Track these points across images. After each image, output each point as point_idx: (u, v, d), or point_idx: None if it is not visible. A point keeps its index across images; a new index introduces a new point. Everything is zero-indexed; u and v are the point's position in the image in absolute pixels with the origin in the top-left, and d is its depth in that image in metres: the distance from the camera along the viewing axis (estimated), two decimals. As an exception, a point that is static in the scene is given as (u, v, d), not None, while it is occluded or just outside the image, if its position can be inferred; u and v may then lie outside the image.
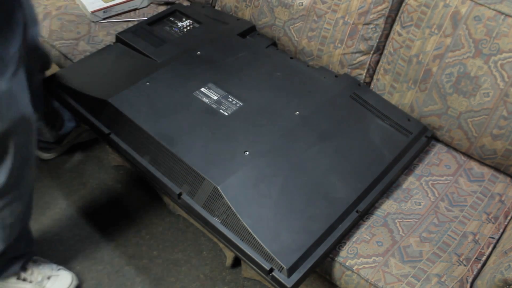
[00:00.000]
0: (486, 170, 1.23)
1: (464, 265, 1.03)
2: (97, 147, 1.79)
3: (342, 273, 1.05)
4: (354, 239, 1.07)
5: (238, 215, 0.98)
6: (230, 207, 0.99)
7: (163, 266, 1.48)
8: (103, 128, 1.19)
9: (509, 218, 1.14)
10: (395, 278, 1.00)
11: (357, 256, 1.04)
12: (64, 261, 1.49)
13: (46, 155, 1.71)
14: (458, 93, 1.17)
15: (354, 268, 1.03)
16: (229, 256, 1.45)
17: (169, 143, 1.09)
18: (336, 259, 1.05)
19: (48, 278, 1.35)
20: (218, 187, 1.01)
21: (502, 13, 1.08)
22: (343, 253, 1.05)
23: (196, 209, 1.04)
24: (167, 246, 1.53)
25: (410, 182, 1.19)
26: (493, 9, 1.09)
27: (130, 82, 1.24)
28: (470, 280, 1.01)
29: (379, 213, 1.12)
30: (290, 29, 1.41)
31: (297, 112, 1.19)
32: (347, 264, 1.04)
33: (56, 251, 1.51)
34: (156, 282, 1.44)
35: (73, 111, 1.26)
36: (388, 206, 1.13)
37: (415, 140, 1.21)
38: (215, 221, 1.01)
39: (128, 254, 1.50)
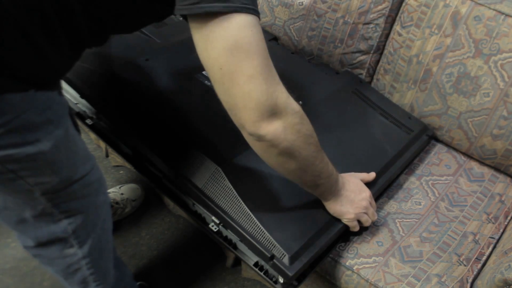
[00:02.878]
0: (486, 170, 1.23)
1: (464, 265, 1.03)
2: (97, 147, 1.79)
3: (342, 273, 1.05)
4: (354, 238, 1.07)
5: (240, 199, 0.94)
6: (232, 190, 0.94)
7: (163, 266, 1.48)
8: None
9: (509, 218, 1.13)
10: (395, 278, 1.00)
11: (357, 256, 1.04)
12: (63, 261, 1.49)
13: None
14: (458, 93, 1.17)
15: (354, 268, 1.03)
16: (230, 256, 1.45)
17: (169, 122, 1.05)
18: (336, 259, 1.05)
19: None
20: (220, 168, 0.97)
21: (502, 13, 1.08)
22: (343, 253, 1.05)
23: (195, 191, 0.98)
24: (167, 246, 1.53)
25: (410, 181, 1.19)
26: (493, 9, 1.09)
27: (129, 59, 1.18)
28: (470, 280, 1.01)
29: (379, 213, 1.12)
30: (290, 29, 1.41)
31: (300, 102, 1.17)
32: (347, 264, 1.04)
33: (56, 251, 1.52)
34: (157, 282, 1.44)
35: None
36: (388, 206, 1.13)
37: (416, 138, 1.21)
38: (216, 204, 0.96)
39: (128, 254, 1.50)
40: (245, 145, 1.01)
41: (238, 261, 1.46)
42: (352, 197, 0.94)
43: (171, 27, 1.36)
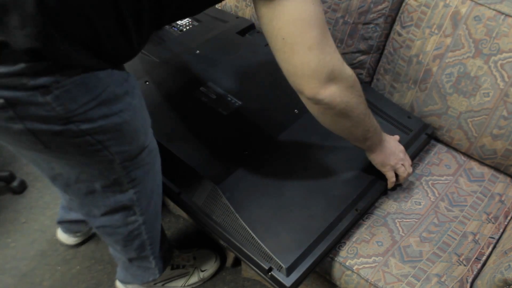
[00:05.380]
0: (486, 170, 1.22)
1: (464, 265, 1.03)
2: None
3: (342, 273, 1.05)
4: (354, 239, 1.07)
5: (237, 215, 0.98)
6: (229, 207, 0.99)
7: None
8: None
9: (509, 218, 1.13)
10: (395, 278, 1.00)
11: (357, 256, 1.04)
12: (63, 261, 1.49)
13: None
14: (458, 93, 1.17)
15: (354, 268, 1.03)
16: (230, 256, 1.45)
17: (168, 142, 1.09)
18: (336, 259, 1.05)
19: (194, 258, 1.41)
20: (217, 187, 1.01)
21: (502, 13, 1.08)
22: (343, 253, 1.05)
23: (195, 209, 1.04)
24: (166, 246, 1.53)
25: (410, 181, 1.19)
26: (493, 9, 1.09)
27: None
28: (470, 280, 1.01)
29: (379, 213, 1.12)
30: (290, 29, 1.41)
31: (296, 110, 1.19)
32: (347, 264, 1.04)
33: (56, 250, 1.51)
34: (156, 282, 1.44)
35: None
36: (388, 206, 1.13)
37: (415, 138, 1.21)
38: (214, 221, 1.01)
39: (128, 254, 1.50)
40: (239, 163, 1.06)
41: (238, 261, 1.46)
42: (393, 149, 1.04)
43: (169, 44, 1.38)
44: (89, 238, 1.54)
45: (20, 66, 0.65)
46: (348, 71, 0.81)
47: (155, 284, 1.34)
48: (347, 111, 0.83)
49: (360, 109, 0.87)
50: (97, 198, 0.93)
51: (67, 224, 1.44)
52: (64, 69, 0.68)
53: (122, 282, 1.33)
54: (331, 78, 0.76)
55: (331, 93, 0.78)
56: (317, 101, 0.79)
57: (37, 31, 0.63)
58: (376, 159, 1.03)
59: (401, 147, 1.07)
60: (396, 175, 1.08)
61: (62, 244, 1.52)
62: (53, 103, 0.69)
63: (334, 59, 0.77)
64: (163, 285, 1.35)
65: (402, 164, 1.07)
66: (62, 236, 1.50)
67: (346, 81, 0.80)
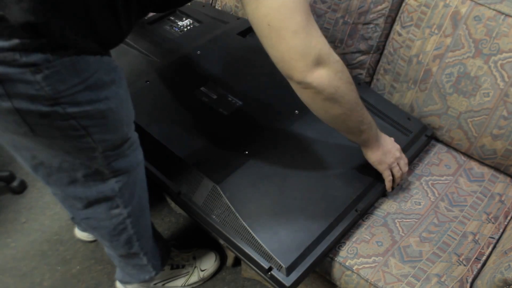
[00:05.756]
0: (486, 170, 1.23)
1: (464, 265, 1.03)
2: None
3: (342, 273, 1.05)
4: (354, 239, 1.07)
5: (237, 214, 0.98)
6: (229, 206, 0.99)
7: (163, 266, 1.48)
8: None
9: (509, 218, 1.13)
10: (395, 278, 1.00)
11: (357, 256, 1.04)
12: (63, 261, 1.49)
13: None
14: (458, 93, 1.17)
15: (354, 268, 1.03)
16: (230, 256, 1.45)
17: (169, 142, 1.09)
18: (336, 259, 1.05)
19: (194, 258, 1.41)
20: (217, 186, 1.01)
21: (502, 13, 1.08)
22: (343, 253, 1.05)
23: (195, 208, 1.04)
24: (167, 246, 1.53)
25: (410, 181, 1.19)
26: (493, 9, 1.09)
27: (130, 82, 1.24)
28: (470, 280, 1.01)
29: (379, 213, 1.12)
30: (290, 29, 1.41)
31: (297, 111, 1.19)
32: (347, 264, 1.04)
33: (56, 250, 1.52)
34: (156, 282, 1.44)
35: None
36: (388, 206, 1.13)
37: (415, 139, 1.21)
38: (214, 220, 1.01)
39: (128, 254, 1.50)
40: (240, 163, 1.05)
41: (238, 261, 1.46)
42: (389, 147, 1.04)
43: (170, 44, 1.38)
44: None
45: (15, 41, 0.66)
46: (336, 56, 0.81)
47: (154, 284, 1.34)
48: (337, 97, 0.83)
49: (351, 96, 0.86)
50: (79, 189, 0.94)
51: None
52: (56, 49, 0.70)
53: (121, 281, 1.33)
54: (319, 61, 0.78)
55: (319, 76, 0.79)
56: (306, 85, 0.80)
57: (33, 4, 0.65)
58: (372, 156, 1.03)
59: (398, 146, 1.07)
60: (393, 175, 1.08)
61: (81, 242, 1.54)
62: (42, 83, 0.71)
63: (321, 43, 0.78)
64: (163, 284, 1.35)
65: (398, 164, 1.07)
66: (81, 234, 1.53)
67: (335, 65, 0.81)
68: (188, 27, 1.47)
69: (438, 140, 1.30)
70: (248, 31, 1.47)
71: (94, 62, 0.76)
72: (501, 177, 1.21)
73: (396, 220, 1.10)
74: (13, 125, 0.76)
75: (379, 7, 1.26)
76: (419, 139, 1.22)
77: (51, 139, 0.81)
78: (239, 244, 0.98)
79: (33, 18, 0.66)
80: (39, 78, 0.70)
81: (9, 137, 0.84)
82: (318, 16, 1.34)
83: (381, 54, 1.33)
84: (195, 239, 1.54)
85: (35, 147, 0.84)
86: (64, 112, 0.76)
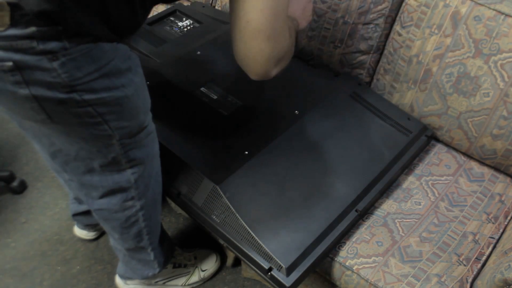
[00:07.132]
0: (486, 170, 1.23)
1: (464, 265, 1.03)
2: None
3: (342, 273, 1.05)
4: (354, 239, 1.07)
5: (237, 215, 0.98)
6: (229, 207, 0.99)
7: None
8: None
9: (509, 218, 1.13)
10: (395, 278, 1.00)
11: (357, 256, 1.04)
12: (63, 261, 1.49)
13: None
14: (458, 93, 1.17)
15: (354, 268, 1.03)
16: (230, 256, 1.45)
17: (169, 142, 1.09)
18: (336, 259, 1.05)
19: (195, 258, 1.41)
20: (217, 187, 1.01)
21: (502, 13, 1.08)
22: (343, 253, 1.05)
23: (195, 209, 1.04)
24: (167, 246, 1.52)
25: (410, 182, 1.19)
26: (493, 9, 1.09)
27: None
28: (470, 280, 1.01)
29: (379, 213, 1.12)
30: (290, 29, 1.41)
31: (297, 112, 1.19)
32: (347, 264, 1.04)
33: (56, 250, 1.52)
34: (156, 282, 1.44)
35: None
36: (388, 206, 1.13)
37: (415, 139, 1.21)
38: (214, 221, 1.01)
39: (128, 254, 1.50)
40: (240, 163, 1.06)
41: (238, 261, 1.46)
42: (300, 6, 1.01)
43: (170, 45, 1.38)
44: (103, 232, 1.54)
45: (32, 29, 0.67)
46: (292, 50, 0.84)
47: (156, 282, 1.34)
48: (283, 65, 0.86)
49: (292, 51, 0.87)
50: (95, 178, 0.94)
51: (82, 217, 1.45)
52: (73, 37, 0.71)
53: (122, 277, 1.33)
54: (279, 62, 0.80)
55: (274, 72, 0.82)
56: (259, 78, 0.82)
57: None
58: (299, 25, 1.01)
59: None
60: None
61: (81, 242, 1.53)
62: (59, 70, 0.71)
63: (285, 47, 0.80)
64: (164, 283, 1.35)
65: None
66: (80, 232, 1.52)
67: (289, 58, 0.84)
68: (188, 28, 1.47)
69: (438, 140, 1.30)
70: (248, 31, 1.47)
71: (110, 50, 0.77)
72: (501, 177, 1.21)
73: (396, 220, 1.10)
74: (32, 112, 0.77)
75: (379, 7, 1.26)
76: (419, 139, 1.22)
77: (69, 126, 0.82)
78: (239, 245, 0.98)
79: (48, 6, 0.66)
80: (56, 65, 0.71)
81: (29, 124, 0.86)
82: (318, 16, 1.34)
83: (381, 54, 1.33)
84: (196, 239, 1.54)
85: (53, 134, 0.85)
86: (81, 99, 0.76)
